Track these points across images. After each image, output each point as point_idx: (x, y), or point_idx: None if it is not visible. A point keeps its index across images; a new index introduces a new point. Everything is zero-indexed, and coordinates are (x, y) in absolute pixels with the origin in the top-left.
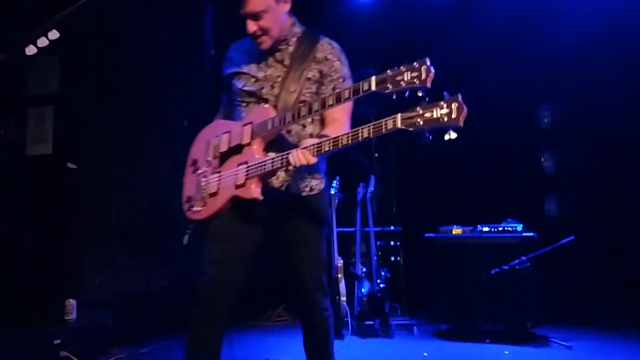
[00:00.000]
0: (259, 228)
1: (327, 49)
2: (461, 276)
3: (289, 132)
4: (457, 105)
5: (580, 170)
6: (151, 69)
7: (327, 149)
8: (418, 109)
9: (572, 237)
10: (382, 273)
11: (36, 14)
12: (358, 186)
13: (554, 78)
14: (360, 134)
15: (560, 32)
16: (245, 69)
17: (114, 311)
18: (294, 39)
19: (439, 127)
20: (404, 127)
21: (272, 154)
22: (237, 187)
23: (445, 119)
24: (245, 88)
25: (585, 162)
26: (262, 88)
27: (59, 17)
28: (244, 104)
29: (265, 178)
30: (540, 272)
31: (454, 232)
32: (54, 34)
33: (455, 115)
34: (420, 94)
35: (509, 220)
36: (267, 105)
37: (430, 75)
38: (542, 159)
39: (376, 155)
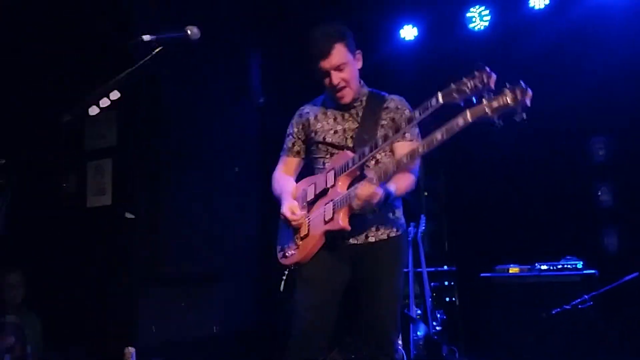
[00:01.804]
0: (347, 269)
1: (397, 100)
2: (520, 317)
3: (371, 167)
4: (520, 89)
5: (638, 203)
6: (202, 119)
7: (392, 169)
8: (484, 101)
9: (637, 274)
10: (438, 315)
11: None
12: (409, 226)
13: (606, 109)
14: (434, 139)
15: (609, 62)
16: (324, 123)
17: (172, 358)
18: (365, 98)
19: (508, 111)
20: (474, 119)
21: None
22: (326, 222)
23: (512, 103)
24: (327, 140)
25: None
26: (342, 139)
27: (120, 78)
28: (325, 155)
29: (352, 210)
30: (602, 312)
31: (511, 271)
32: (115, 94)
33: (520, 97)
34: (485, 95)
35: (567, 257)
36: (347, 152)
37: (492, 78)
38: (599, 193)
39: (425, 193)
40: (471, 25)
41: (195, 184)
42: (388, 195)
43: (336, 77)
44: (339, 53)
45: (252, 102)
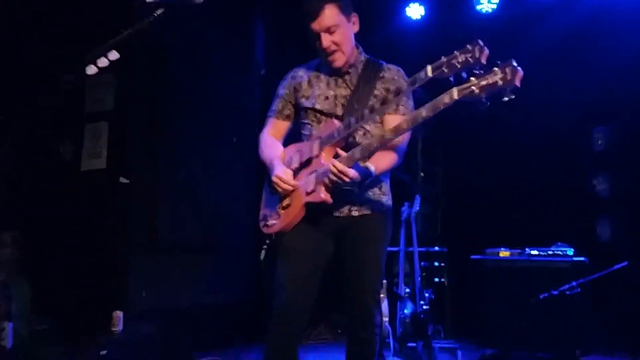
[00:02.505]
0: (329, 241)
1: (394, 70)
2: (508, 300)
3: (358, 137)
4: (510, 68)
5: (634, 194)
6: (202, 87)
7: (375, 145)
8: (472, 79)
9: (625, 263)
10: (426, 294)
11: (95, 35)
12: (402, 205)
13: (608, 99)
14: (419, 115)
15: (615, 52)
16: (315, 88)
17: (161, 325)
18: (361, 65)
19: (496, 91)
20: (461, 98)
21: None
22: (308, 194)
23: (501, 82)
24: (316, 106)
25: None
26: (332, 106)
27: (119, 39)
28: (313, 122)
29: (327, 187)
30: (591, 299)
31: (501, 255)
32: (114, 55)
33: (510, 77)
34: (476, 72)
35: (558, 244)
36: (335, 120)
37: (484, 52)
38: (595, 182)
39: (422, 174)
40: (479, 7)
41: (194, 152)
42: (366, 174)
43: (326, 40)
44: (331, 14)
45: (255, 72)
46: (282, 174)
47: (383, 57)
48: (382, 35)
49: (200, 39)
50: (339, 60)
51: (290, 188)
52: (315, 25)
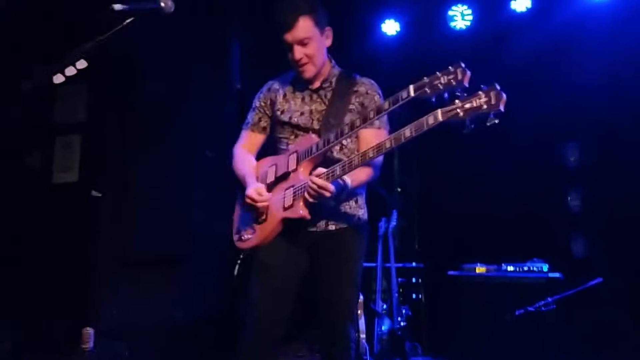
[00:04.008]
0: (304, 256)
1: (367, 84)
2: (484, 316)
3: (335, 152)
4: (495, 92)
5: (608, 210)
6: (177, 100)
7: (356, 162)
8: (457, 102)
9: (600, 280)
10: (403, 311)
11: (64, 44)
12: (380, 220)
13: (581, 115)
14: (402, 135)
15: (587, 68)
16: (291, 103)
17: (131, 341)
18: (334, 79)
19: (480, 115)
20: (445, 120)
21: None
22: (285, 209)
23: (485, 106)
24: (293, 121)
25: (613, 202)
26: (308, 121)
27: (88, 47)
28: (289, 136)
29: (306, 201)
30: (565, 315)
31: (477, 271)
32: (82, 64)
33: (494, 102)
34: (458, 94)
35: (534, 259)
36: (312, 135)
37: (466, 75)
38: (569, 198)
39: (399, 189)
40: (453, 24)
41: (167, 166)
42: (343, 188)
43: (299, 52)
44: (305, 27)
45: (231, 86)
46: (253, 193)
47: (359, 72)
48: (357, 50)
49: (174, 52)
50: (309, 72)
51: (264, 205)
52: (288, 37)
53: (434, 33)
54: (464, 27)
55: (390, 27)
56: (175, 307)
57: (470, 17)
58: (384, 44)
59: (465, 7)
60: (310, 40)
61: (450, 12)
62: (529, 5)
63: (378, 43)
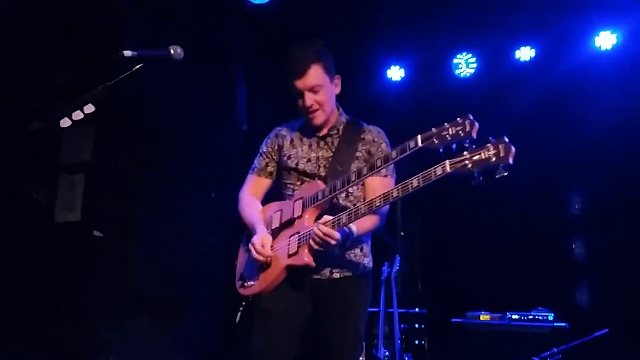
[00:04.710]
0: (308, 304)
1: (374, 132)
2: None
3: (341, 199)
4: (504, 145)
5: (613, 259)
6: (182, 141)
7: (363, 211)
8: (465, 153)
9: (607, 330)
10: (406, 358)
11: (74, 86)
12: (382, 265)
13: (585, 163)
14: (410, 185)
15: (591, 117)
16: (298, 149)
17: None
18: (342, 126)
19: (489, 167)
20: (453, 171)
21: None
22: (290, 256)
23: (494, 158)
24: (299, 167)
25: (619, 250)
26: (314, 168)
27: (96, 92)
28: (295, 182)
29: (311, 249)
30: None
31: (481, 319)
32: (89, 108)
33: (503, 154)
34: (466, 145)
35: (539, 308)
36: (319, 182)
37: (474, 127)
38: (573, 246)
39: (402, 233)
40: (457, 71)
41: (170, 206)
42: (348, 236)
43: (309, 99)
44: (316, 74)
45: (237, 127)
46: (258, 244)
47: (364, 118)
48: (362, 96)
49: (181, 94)
50: (318, 118)
51: (265, 260)
52: (299, 84)
53: (438, 80)
54: (468, 75)
55: (395, 73)
56: (176, 351)
57: (475, 65)
58: (389, 89)
59: (469, 55)
60: (320, 88)
61: (455, 60)
62: (533, 55)
63: (383, 89)
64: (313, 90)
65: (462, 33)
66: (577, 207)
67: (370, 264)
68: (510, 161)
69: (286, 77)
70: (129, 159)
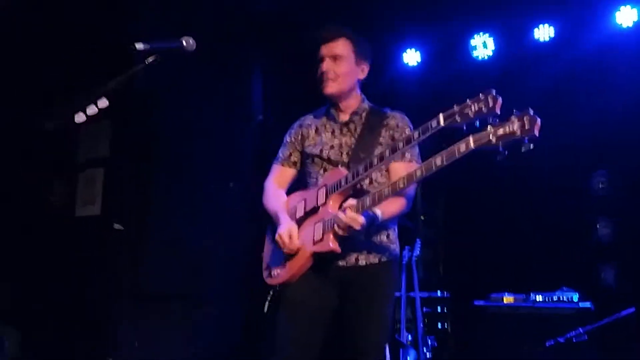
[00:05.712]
0: (334, 293)
1: (398, 117)
2: (513, 347)
3: (365, 186)
4: (529, 117)
5: (638, 238)
6: (198, 133)
7: (387, 193)
8: (489, 127)
9: (633, 309)
10: (429, 341)
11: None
12: (403, 249)
13: (608, 143)
14: (433, 164)
15: (613, 96)
16: (322, 136)
17: None
18: (364, 113)
19: (514, 140)
20: (477, 147)
21: None
22: (315, 243)
23: (519, 131)
24: (323, 154)
25: None
26: (338, 155)
27: (109, 86)
28: (319, 170)
29: (336, 235)
30: (597, 346)
31: (505, 301)
32: (103, 102)
33: (529, 126)
34: (490, 121)
35: (563, 288)
36: (341, 168)
37: (498, 102)
38: (598, 226)
39: (422, 218)
40: (474, 53)
41: (188, 198)
42: (373, 220)
43: (327, 65)
44: (342, 45)
45: (252, 118)
46: (285, 234)
47: (381, 104)
48: (379, 81)
49: (196, 84)
50: (330, 88)
51: (293, 251)
52: (324, 49)
53: (455, 63)
54: (486, 57)
55: (412, 57)
56: (192, 343)
57: (493, 47)
58: (406, 74)
59: (487, 34)
60: (342, 60)
61: (472, 42)
62: (552, 35)
63: (399, 73)
64: (334, 58)
65: (478, 13)
66: (601, 186)
67: (397, 251)
68: (536, 133)
69: (313, 45)
70: (147, 151)
